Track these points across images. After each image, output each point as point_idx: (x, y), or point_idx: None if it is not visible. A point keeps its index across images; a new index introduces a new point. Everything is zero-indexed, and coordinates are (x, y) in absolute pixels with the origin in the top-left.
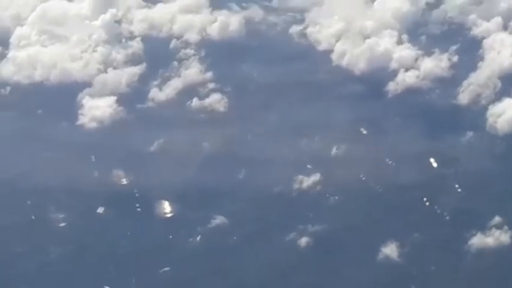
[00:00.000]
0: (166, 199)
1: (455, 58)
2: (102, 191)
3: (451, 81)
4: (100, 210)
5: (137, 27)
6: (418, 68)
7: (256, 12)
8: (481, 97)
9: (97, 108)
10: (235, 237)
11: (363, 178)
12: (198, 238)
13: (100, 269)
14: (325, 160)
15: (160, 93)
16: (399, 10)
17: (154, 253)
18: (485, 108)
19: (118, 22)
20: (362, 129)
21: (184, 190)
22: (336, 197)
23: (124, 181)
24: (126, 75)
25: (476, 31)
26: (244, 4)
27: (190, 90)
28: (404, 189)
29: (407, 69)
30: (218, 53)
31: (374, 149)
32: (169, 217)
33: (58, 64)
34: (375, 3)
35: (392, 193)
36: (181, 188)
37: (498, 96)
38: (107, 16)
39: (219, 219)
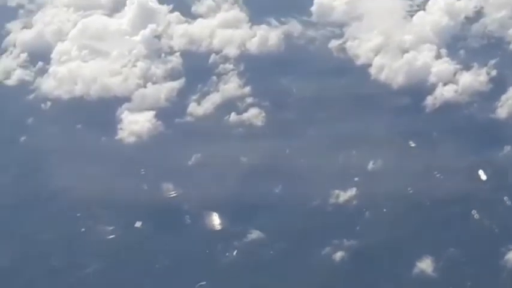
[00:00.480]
0: (205, 213)
1: (494, 72)
2: (145, 204)
3: (489, 96)
4: (138, 224)
5: (177, 42)
6: (457, 83)
7: (295, 27)
8: None
9: (136, 123)
10: (271, 252)
11: (400, 192)
12: (235, 253)
13: (137, 282)
14: (362, 174)
15: (199, 108)
16: (438, 24)
17: (191, 267)
18: None
19: (158, 37)
20: (399, 143)
21: (221, 204)
22: (372, 212)
23: (170, 194)
24: (165, 90)
25: None
26: (283, 19)
27: (229, 105)
28: (444, 203)
29: (445, 84)
30: (257, 68)
31: (412, 163)
32: (206, 231)
33: (98, 79)
34: (414, 17)
35: (430, 208)
36: (218, 202)
37: None
38: (146, 31)
39: (255, 234)
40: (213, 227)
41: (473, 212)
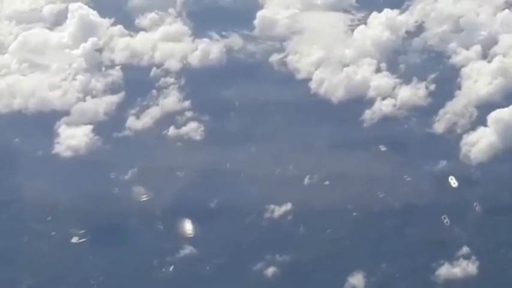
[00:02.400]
0: (139, 228)
1: (432, 87)
2: (81, 219)
3: (427, 110)
4: (75, 239)
5: (118, 56)
6: (395, 97)
7: (235, 41)
8: (456, 126)
9: (73, 137)
10: (208, 268)
11: (337, 207)
12: (171, 268)
13: None
14: (297, 189)
15: (138, 122)
16: (379, 38)
17: (127, 283)
18: (459, 137)
19: (99, 51)
20: (336, 158)
21: (156, 219)
22: (307, 227)
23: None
24: (104, 103)
25: (455, 59)
26: (224, 33)
27: (168, 119)
28: (381, 217)
29: (384, 98)
30: (198, 82)
31: (349, 177)
32: (141, 247)
33: (37, 93)
34: (355, 31)
35: (365, 223)
36: (152, 217)
37: (473, 126)
38: (87, 45)
39: (188, 249)
40: (148, 243)
41: (409, 226)
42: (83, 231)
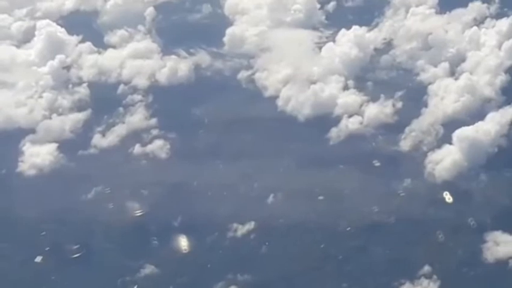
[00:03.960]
0: (101, 248)
1: (400, 104)
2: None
3: (394, 128)
4: (38, 259)
5: (86, 73)
6: (362, 114)
7: (204, 58)
8: (422, 144)
9: (37, 156)
10: (171, 287)
11: (300, 226)
12: None
13: None
14: (261, 207)
15: (103, 140)
16: (347, 56)
17: None
18: (425, 155)
19: (67, 68)
20: (301, 176)
21: (118, 238)
22: (269, 246)
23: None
24: (71, 121)
25: (423, 77)
26: (192, 50)
27: (134, 137)
28: (342, 237)
29: (351, 115)
30: (165, 99)
31: (313, 196)
32: (103, 265)
33: (2, 110)
34: (323, 49)
35: (329, 242)
36: (115, 235)
37: (439, 143)
38: (54, 62)
39: (149, 268)
40: (111, 261)
41: (372, 244)
42: (47, 249)
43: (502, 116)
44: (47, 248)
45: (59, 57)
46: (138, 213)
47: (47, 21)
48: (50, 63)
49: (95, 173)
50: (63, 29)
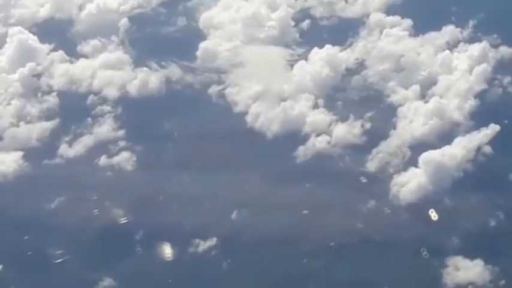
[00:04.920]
0: (60, 260)
1: (368, 125)
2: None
3: (361, 149)
4: None
5: (56, 82)
6: (330, 134)
7: (175, 71)
8: (388, 166)
9: (2, 163)
10: None
11: (261, 244)
12: None
13: None
14: (225, 223)
15: (70, 150)
16: (318, 74)
17: None
18: (391, 177)
19: (37, 76)
20: (266, 194)
21: (77, 250)
22: (230, 263)
23: (25, 238)
24: (38, 130)
25: (394, 98)
26: (163, 63)
27: (101, 148)
28: (304, 256)
29: (318, 135)
30: (135, 111)
31: (275, 214)
32: (60, 278)
33: None
34: (295, 66)
35: (291, 261)
36: (75, 247)
37: (405, 166)
38: (25, 70)
39: (107, 281)
40: (69, 273)
41: (334, 265)
42: (7, 260)
43: (469, 141)
44: (2, 259)
45: (30, 64)
46: (100, 225)
47: (19, 28)
48: (20, 71)
49: (59, 183)
50: (35, 37)
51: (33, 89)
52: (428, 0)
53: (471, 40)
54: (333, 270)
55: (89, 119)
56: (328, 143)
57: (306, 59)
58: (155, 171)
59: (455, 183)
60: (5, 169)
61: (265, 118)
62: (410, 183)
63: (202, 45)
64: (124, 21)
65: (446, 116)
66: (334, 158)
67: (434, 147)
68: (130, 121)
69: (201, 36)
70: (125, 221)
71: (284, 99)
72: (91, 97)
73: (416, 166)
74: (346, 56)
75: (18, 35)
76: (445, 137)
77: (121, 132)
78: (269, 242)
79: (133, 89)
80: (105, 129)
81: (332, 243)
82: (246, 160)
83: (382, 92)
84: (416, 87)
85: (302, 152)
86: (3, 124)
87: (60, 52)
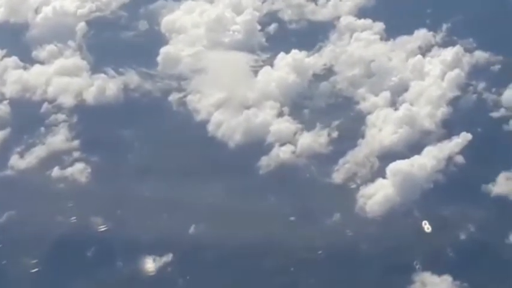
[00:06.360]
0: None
1: (335, 134)
2: None
3: (328, 159)
4: None
5: (9, 89)
6: (295, 143)
7: (132, 78)
8: (355, 176)
9: None
10: None
11: (219, 259)
12: None
13: None
14: (181, 238)
15: (21, 161)
16: (284, 81)
17: None
18: (357, 189)
19: None
20: (226, 206)
21: (24, 267)
22: (186, 280)
23: None
24: None
25: (363, 105)
26: (121, 69)
27: (54, 159)
28: (266, 273)
29: (283, 144)
30: (91, 120)
31: (234, 228)
32: None
33: None
34: (260, 73)
35: (252, 277)
36: (24, 262)
37: (373, 177)
38: None
39: None
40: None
41: (298, 281)
42: None
43: (440, 150)
44: None
45: None
46: (49, 241)
47: None
48: None
49: (9, 196)
50: None
51: None
52: (402, 2)
53: (445, 44)
54: (296, 287)
55: (42, 129)
56: (293, 152)
57: (272, 65)
58: (111, 183)
59: (425, 194)
60: None
61: (228, 127)
62: (377, 195)
63: (164, 50)
64: (81, 25)
65: (417, 124)
66: (299, 168)
67: (404, 157)
68: (86, 130)
69: (162, 40)
70: (77, 236)
71: (247, 107)
72: (45, 105)
73: (384, 177)
74: (313, 61)
75: None
76: (415, 146)
77: (76, 143)
78: (229, 257)
79: (90, 96)
80: (59, 139)
81: (295, 258)
82: (207, 171)
83: (351, 99)
84: (386, 94)
85: (265, 162)
86: None
87: (14, 58)
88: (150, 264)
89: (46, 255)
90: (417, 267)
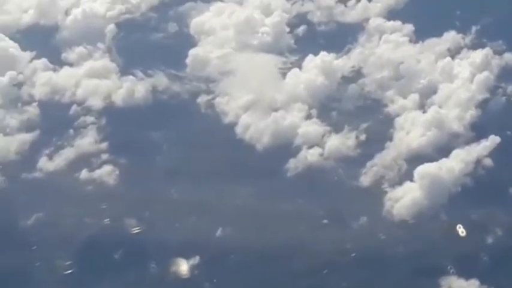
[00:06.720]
0: (34, 275)
1: (363, 136)
2: None
3: (355, 161)
4: None
5: (38, 91)
6: (323, 146)
7: (161, 80)
8: (383, 180)
9: None
10: None
11: (246, 263)
12: None
13: None
14: (208, 241)
15: (50, 163)
16: (312, 83)
17: None
18: (385, 192)
19: (18, 85)
20: (254, 210)
21: (52, 270)
22: (212, 283)
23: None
24: (17, 142)
25: (391, 108)
26: (150, 71)
27: (82, 161)
28: (295, 276)
29: (311, 147)
30: (120, 122)
31: (262, 231)
32: None
33: None
34: (288, 75)
35: (280, 281)
36: (48, 267)
37: (401, 180)
38: (4, 79)
39: None
40: None
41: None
42: None
43: (468, 153)
44: None
45: (10, 73)
46: (78, 243)
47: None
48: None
49: (37, 198)
50: (16, 44)
51: (13, 99)
52: (431, 4)
53: (474, 46)
54: None
55: (71, 131)
56: (321, 155)
57: (300, 67)
58: (139, 185)
59: (453, 198)
60: None
61: (256, 129)
62: (405, 199)
63: (192, 52)
64: (111, 27)
65: (445, 126)
66: (326, 171)
67: (432, 160)
68: (115, 133)
69: (191, 42)
70: (105, 239)
71: (276, 110)
72: (74, 107)
73: (412, 180)
74: (342, 64)
75: None
76: (443, 149)
77: (104, 145)
78: (256, 260)
79: (118, 98)
80: (88, 141)
81: (323, 261)
82: (235, 173)
83: (379, 101)
84: (415, 96)
85: (293, 164)
86: None
87: (43, 60)
88: (182, 267)
89: (79, 256)
90: (451, 271)
